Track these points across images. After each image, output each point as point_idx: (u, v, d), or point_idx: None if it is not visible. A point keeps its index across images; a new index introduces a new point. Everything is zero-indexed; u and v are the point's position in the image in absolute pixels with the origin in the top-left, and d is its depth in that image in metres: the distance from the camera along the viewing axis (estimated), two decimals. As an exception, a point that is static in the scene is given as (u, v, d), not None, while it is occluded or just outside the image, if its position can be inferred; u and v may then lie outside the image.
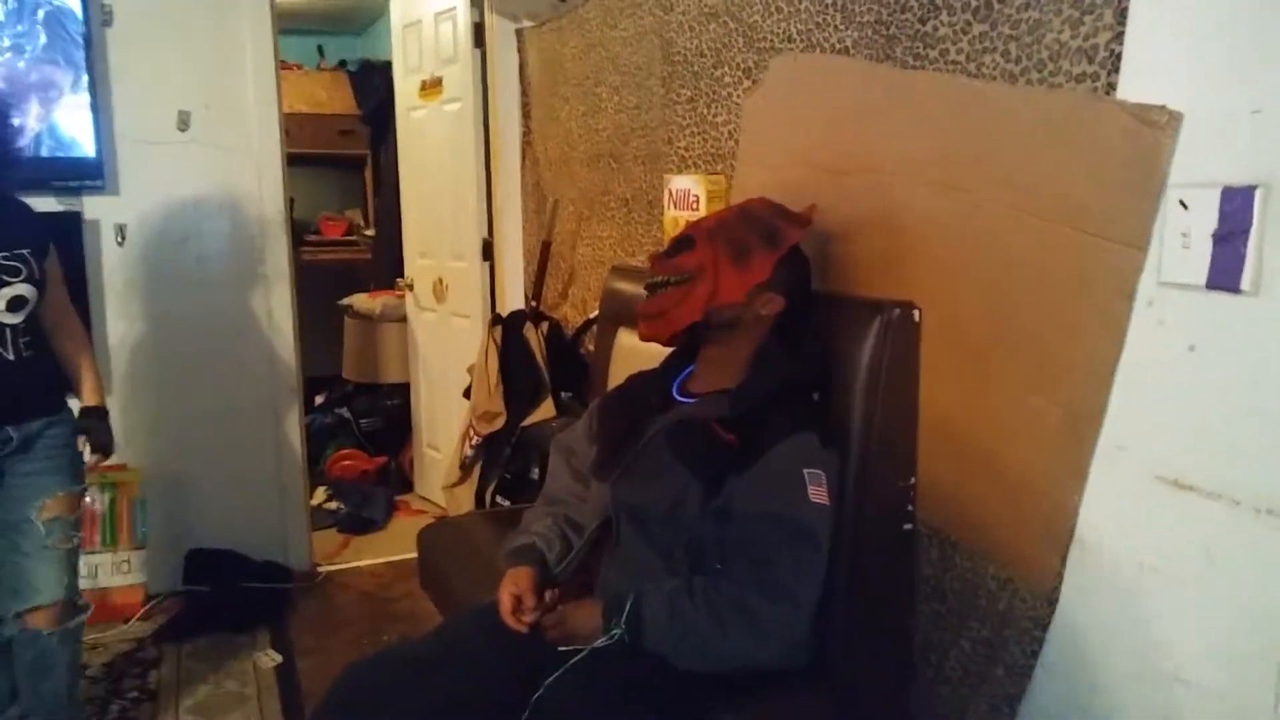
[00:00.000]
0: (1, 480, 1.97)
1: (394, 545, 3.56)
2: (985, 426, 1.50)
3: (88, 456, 2.10)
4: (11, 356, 1.93)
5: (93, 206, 2.92)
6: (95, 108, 2.81)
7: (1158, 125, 1.17)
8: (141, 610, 2.97)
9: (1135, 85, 1.22)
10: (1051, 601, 1.41)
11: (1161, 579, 1.26)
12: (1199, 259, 1.14)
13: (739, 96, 2.10)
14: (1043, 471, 1.40)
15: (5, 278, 1.90)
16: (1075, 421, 1.34)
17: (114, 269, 2.99)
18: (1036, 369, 1.40)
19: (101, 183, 2.87)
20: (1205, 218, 1.13)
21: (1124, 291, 1.24)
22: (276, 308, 3.22)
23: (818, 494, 1.46)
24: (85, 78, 2.78)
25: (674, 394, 1.69)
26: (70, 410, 2.09)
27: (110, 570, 2.96)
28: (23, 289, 1.92)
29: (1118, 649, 1.33)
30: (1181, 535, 1.22)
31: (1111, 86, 1.24)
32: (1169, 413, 1.22)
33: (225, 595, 2.97)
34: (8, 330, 1.92)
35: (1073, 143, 1.30)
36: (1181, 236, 1.16)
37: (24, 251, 1.93)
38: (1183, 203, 1.15)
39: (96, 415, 2.12)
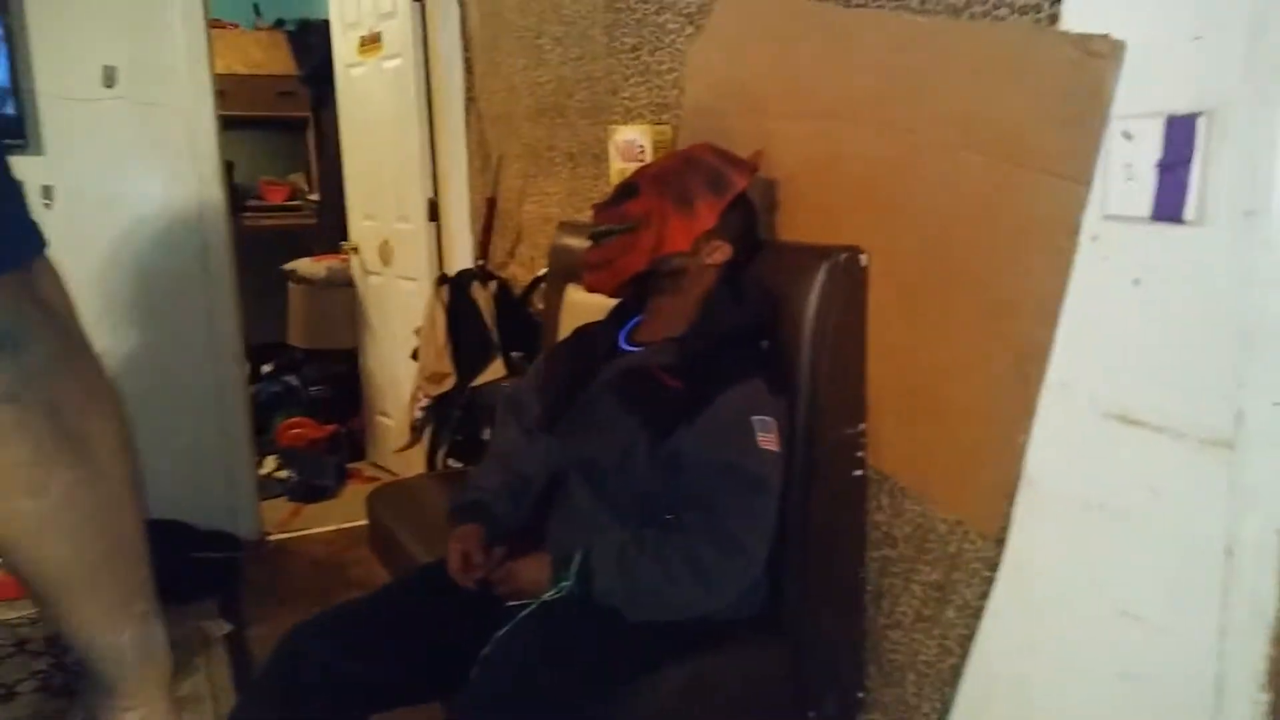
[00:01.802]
0: None
1: (346, 513, 3.51)
2: (933, 369, 1.49)
3: None
4: None
5: (16, 167, 2.78)
6: (13, 63, 2.68)
7: (1101, 55, 1.15)
8: (84, 584, 2.89)
9: (1078, 15, 1.20)
10: (1000, 542, 1.41)
11: (1108, 515, 1.26)
12: (1143, 191, 1.13)
13: (683, 43, 2.06)
14: (990, 412, 1.40)
15: None
16: (1022, 360, 1.33)
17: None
18: (983, 309, 1.39)
19: (24, 142, 2.75)
20: (1149, 148, 1.11)
21: (1068, 227, 1.23)
22: (215, 272, 3.12)
23: (767, 441, 1.44)
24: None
25: (621, 344, 1.66)
26: None
27: (49, 544, 2.88)
28: None
29: (1066, 587, 1.34)
30: (1127, 470, 1.22)
31: (1054, 17, 1.22)
32: (1114, 348, 1.22)
33: (171, 566, 2.90)
34: None
35: (1016, 77, 1.28)
36: (1125, 168, 1.14)
37: None
38: (1126, 134, 1.14)
39: None
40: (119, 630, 0.65)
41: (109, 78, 2.87)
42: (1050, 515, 1.34)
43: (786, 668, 1.60)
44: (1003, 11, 1.29)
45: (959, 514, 1.48)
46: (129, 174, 2.97)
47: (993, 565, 1.43)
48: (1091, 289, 1.23)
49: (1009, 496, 1.39)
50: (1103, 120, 1.17)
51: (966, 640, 1.49)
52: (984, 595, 1.45)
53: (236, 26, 5.26)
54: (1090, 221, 1.21)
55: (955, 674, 1.52)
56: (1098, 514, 1.27)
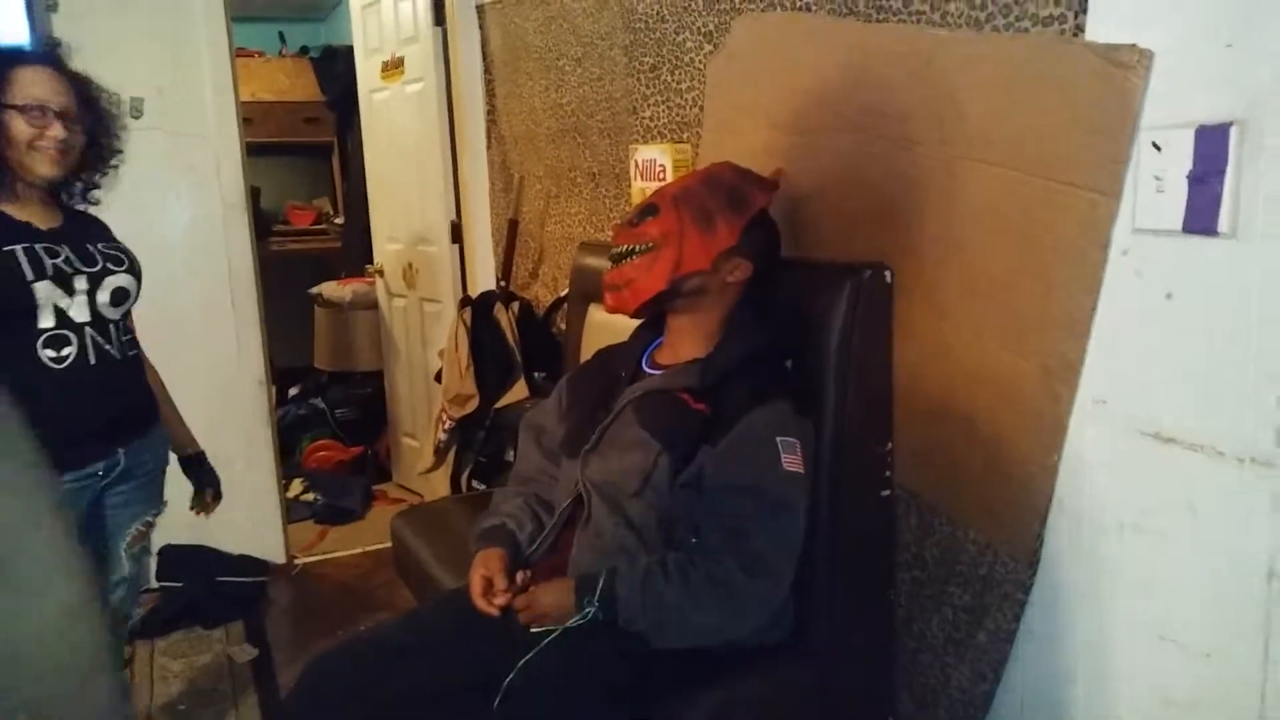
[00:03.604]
0: (97, 508, 1.77)
1: (372, 535, 3.50)
2: (960, 387, 1.46)
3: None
4: (119, 355, 1.71)
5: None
6: (43, 95, 2.72)
7: (1128, 65, 1.13)
8: (113, 609, 2.91)
9: (1104, 25, 1.17)
10: (1032, 564, 1.38)
11: (1144, 536, 1.22)
12: (1174, 203, 1.10)
13: (702, 61, 2.05)
14: (1020, 431, 1.37)
15: (110, 266, 1.71)
16: (1052, 377, 1.30)
17: (71, 261, 2.90)
18: (1011, 325, 1.36)
19: (53, 173, 2.79)
20: (1179, 159, 1.09)
21: (1098, 241, 1.20)
22: (241, 297, 3.14)
23: (791, 463, 1.42)
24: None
25: (643, 366, 1.64)
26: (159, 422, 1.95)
27: (79, 570, 2.89)
28: (125, 280, 1.73)
29: (1102, 610, 1.30)
30: (1164, 490, 1.19)
31: (1079, 28, 1.20)
32: (1148, 364, 1.19)
33: (199, 590, 2.91)
34: (112, 326, 1.71)
35: (1041, 89, 1.26)
36: (1155, 180, 1.12)
37: (123, 244, 1.81)
38: (1156, 145, 1.11)
39: (199, 462, 2.07)
40: None
41: (136, 109, 2.90)
42: (1084, 537, 1.31)
43: (816, 693, 1.57)
44: (1026, 23, 1.27)
45: (990, 535, 1.45)
46: (156, 202, 3.00)
47: (1025, 588, 1.40)
48: (1123, 304, 1.20)
49: (1041, 517, 1.36)
50: (1131, 131, 1.14)
51: (999, 665, 1.46)
52: (1017, 619, 1.42)
53: (262, 55, 5.33)
54: (1120, 235, 1.19)
55: (988, 700, 1.48)
56: (1134, 535, 1.24)
